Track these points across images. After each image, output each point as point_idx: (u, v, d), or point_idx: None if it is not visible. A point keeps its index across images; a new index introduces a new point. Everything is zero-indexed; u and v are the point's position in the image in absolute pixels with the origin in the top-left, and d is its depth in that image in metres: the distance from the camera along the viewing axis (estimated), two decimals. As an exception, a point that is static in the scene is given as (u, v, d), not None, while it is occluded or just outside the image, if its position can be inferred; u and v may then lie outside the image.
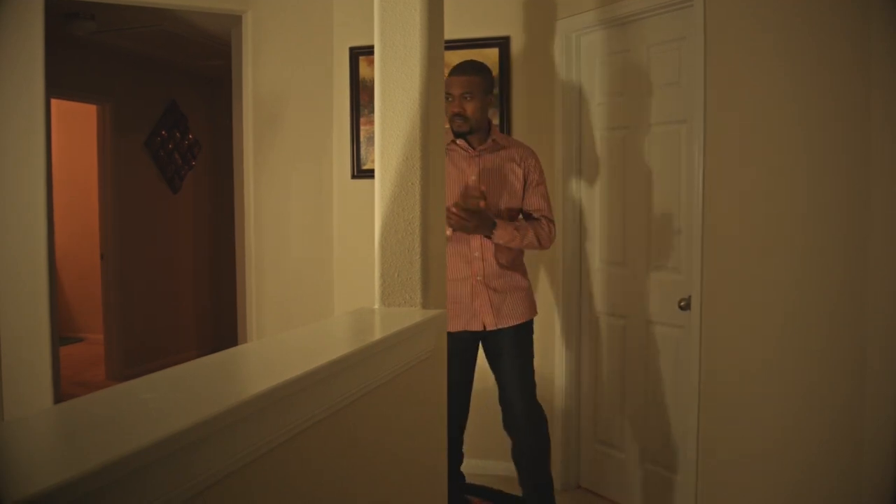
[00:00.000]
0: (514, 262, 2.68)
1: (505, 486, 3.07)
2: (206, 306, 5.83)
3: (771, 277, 2.38)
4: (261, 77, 3.50)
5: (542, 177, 2.68)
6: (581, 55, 3.17)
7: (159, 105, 5.35)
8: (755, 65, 2.40)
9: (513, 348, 2.66)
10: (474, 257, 2.61)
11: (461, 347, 2.60)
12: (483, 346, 2.72)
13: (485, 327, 2.62)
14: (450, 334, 2.37)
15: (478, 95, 2.58)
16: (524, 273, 2.73)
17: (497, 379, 2.70)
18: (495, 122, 3.09)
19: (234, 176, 3.76)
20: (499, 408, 2.72)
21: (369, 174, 3.46)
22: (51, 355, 3.06)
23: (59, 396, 3.27)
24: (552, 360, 3.27)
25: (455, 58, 3.34)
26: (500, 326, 2.62)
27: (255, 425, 0.88)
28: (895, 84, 2.05)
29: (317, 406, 1.04)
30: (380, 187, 1.53)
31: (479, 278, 2.60)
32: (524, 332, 2.70)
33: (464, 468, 2.83)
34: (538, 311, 2.81)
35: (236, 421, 0.83)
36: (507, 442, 2.74)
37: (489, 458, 3.27)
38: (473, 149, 2.63)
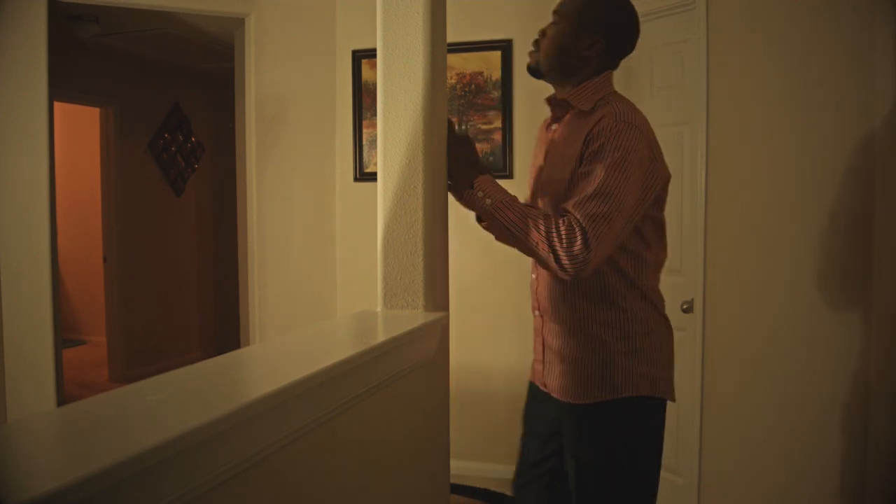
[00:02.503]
0: (597, 288, 1.51)
1: (492, 487, 3.03)
2: (209, 308, 5.84)
3: (774, 280, 2.38)
4: (263, 80, 3.50)
5: (607, 151, 1.43)
6: (583, 58, 3.16)
7: (162, 108, 5.37)
8: (758, 66, 2.40)
9: (574, 438, 1.55)
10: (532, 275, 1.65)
11: (533, 406, 1.68)
12: None
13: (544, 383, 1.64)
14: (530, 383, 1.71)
15: (568, 21, 1.54)
16: (617, 318, 1.50)
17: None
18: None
19: (236, 178, 3.77)
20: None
21: (372, 177, 3.46)
22: (54, 357, 3.07)
23: (62, 399, 3.28)
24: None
25: (457, 61, 3.35)
26: (549, 391, 1.61)
27: (259, 427, 0.88)
28: (898, 86, 2.05)
29: (321, 407, 1.04)
30: (382, 190, 1.53)
31: (537, 306, 1.64)
32: (595, 421, 1.52)
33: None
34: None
35: (240, 423, 0.83)
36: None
37: (475, 459, 3.21)
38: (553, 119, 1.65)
